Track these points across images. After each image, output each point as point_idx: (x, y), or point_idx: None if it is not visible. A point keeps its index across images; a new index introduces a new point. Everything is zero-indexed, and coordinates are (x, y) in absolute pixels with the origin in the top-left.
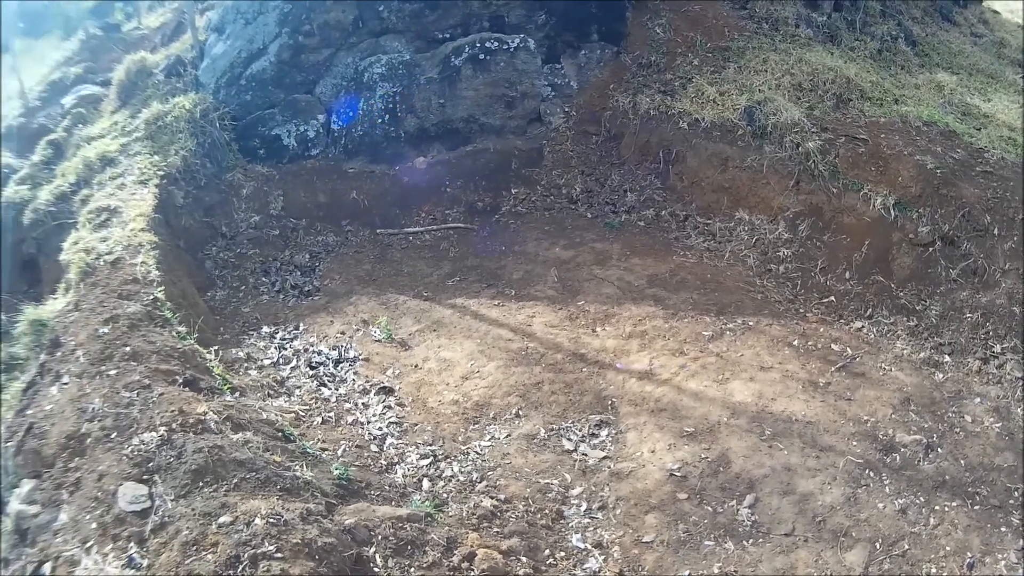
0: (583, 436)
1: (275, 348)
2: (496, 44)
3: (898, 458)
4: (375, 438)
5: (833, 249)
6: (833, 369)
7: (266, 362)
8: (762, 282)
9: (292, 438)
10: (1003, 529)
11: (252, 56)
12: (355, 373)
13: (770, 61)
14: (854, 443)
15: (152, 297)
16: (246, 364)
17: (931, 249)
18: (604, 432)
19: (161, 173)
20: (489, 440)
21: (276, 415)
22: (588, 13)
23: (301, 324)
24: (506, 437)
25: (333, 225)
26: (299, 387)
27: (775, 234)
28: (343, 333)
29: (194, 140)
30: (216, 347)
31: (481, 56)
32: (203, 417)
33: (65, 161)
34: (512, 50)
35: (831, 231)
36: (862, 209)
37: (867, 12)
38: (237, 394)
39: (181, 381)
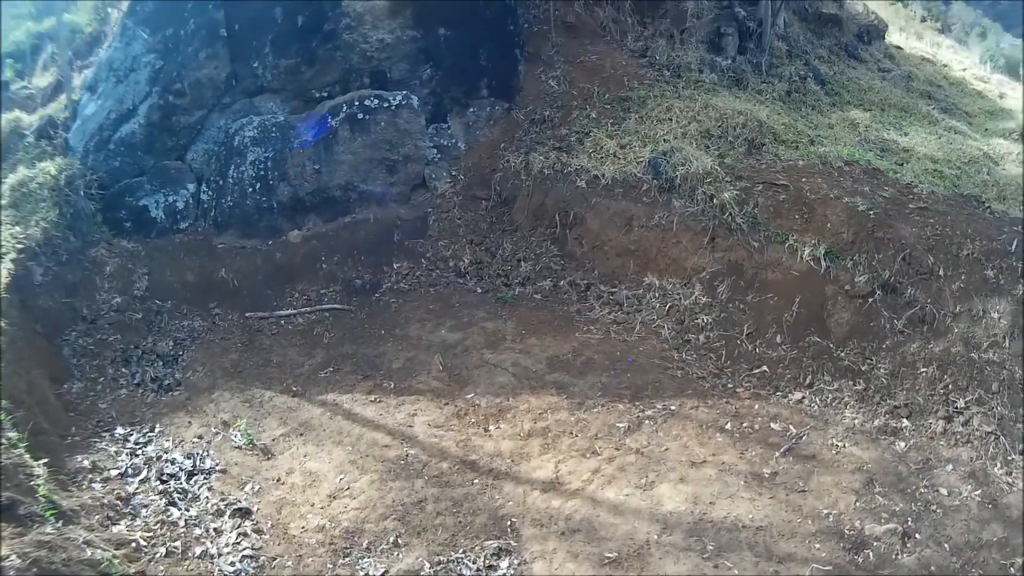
0: (478, 570)
1: (127, 454)
2: (376, 102)
3: (871, 555)
4: None
5: (759, 311)
6: (778, 454)
7: (113, 473)
8: (681, 356)
9: None
10: None
11: (122, 118)
12: (210, 488)
13: (674, 109)
14: (817, 546)
15: None
16: (90, 475)
17: (871, 300)
18: (504, 563)
19: (19, 247)
20: None
21: (103, 551)
22: (477, 66)
23: (157, 425)
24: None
25: (200, 308)
26: (146, 506)
27: (691, 299)
28: (200, 437)
29: (57, 211)
30: (46, 459)
31: (360, 115)
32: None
33: None
34: (394, 108)
35: (755, 290)
36: (789, 263)
37: (773, 53)
38: (60, 523)
39: None
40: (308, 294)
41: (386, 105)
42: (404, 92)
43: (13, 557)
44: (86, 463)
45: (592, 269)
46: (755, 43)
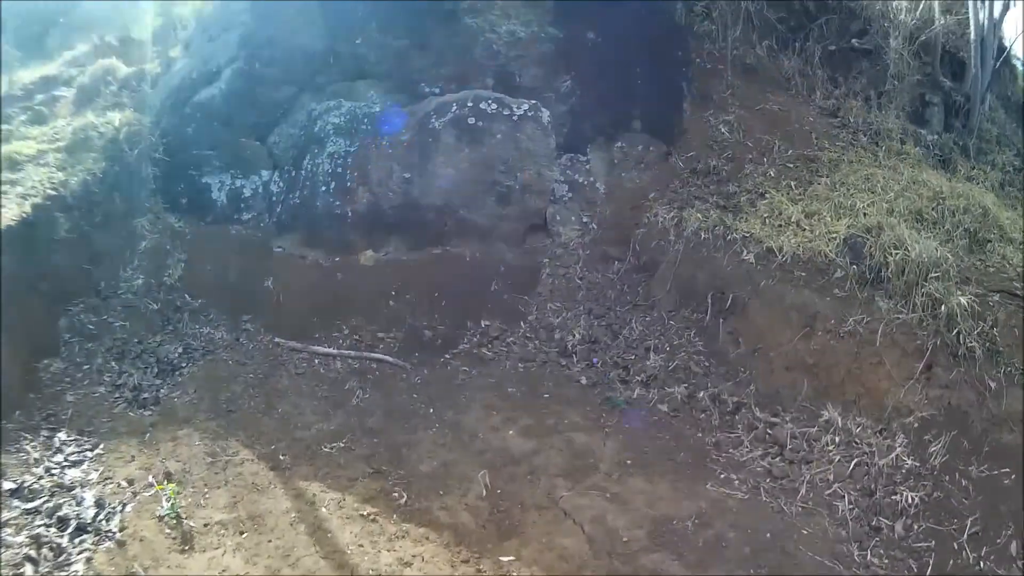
0: None
1: (43, 469)
2: (495, 107)
3: None
4: None
5: (989, 494)
6: None
7: (6, 486)
8: (864, 555)
9: None
10: None
11: (203, 79)
12: (88, 561)
13: (876, 178)
14: None
15: None
16: None
17: None
18: None
19: (52, 192)
20: None
21: None
22: (631, 92)
23: (102, 445)
24: None
25: (230, 318)
26: (7, 547)
27: (889, 458)
28: (130, 483)
29: (105, 166)
30: None
31: (471, 120)
32: None
33: None
34: (516, 118)
35: (984, 459)
36: None
37: (982, 137)
38: None
39: None
40: (360, 334)
41: (507, 113)
42: (533, 101)
43: None
44: None
45: (747, 381)
46: (962, 121)
